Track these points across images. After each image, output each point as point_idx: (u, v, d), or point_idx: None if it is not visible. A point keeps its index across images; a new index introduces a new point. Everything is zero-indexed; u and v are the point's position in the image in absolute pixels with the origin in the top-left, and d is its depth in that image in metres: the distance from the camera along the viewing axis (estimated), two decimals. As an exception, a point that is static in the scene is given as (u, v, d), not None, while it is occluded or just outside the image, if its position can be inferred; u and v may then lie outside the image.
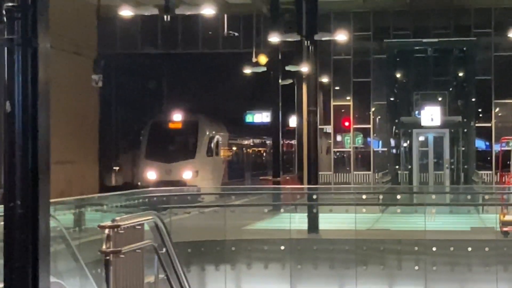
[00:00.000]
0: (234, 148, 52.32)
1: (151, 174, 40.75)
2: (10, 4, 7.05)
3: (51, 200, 7.88)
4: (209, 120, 45.17)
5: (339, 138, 44.87)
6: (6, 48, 7.07)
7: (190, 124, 43.49)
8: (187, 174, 40.68)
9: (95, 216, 19.11)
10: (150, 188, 32.12)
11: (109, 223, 10.87)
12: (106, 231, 10.62)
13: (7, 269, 7.15)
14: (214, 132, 44.11)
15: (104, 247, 10.55)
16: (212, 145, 43.48)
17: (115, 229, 10.72)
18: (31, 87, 7.10)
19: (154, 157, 41.87)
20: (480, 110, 43.83)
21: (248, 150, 56.16)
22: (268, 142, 53.05)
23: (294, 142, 46.99)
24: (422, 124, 40.45)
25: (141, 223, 12.11)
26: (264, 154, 58.46)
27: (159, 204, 22.72)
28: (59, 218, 14.15)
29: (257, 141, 57.03)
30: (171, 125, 44.08)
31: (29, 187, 7.07)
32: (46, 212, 7.20)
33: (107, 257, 10.52)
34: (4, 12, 7.09)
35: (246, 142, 55.08)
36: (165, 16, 27.05)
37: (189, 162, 41.50)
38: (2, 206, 7.31)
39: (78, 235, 16.32)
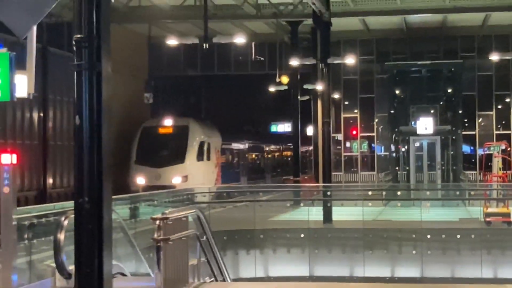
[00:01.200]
0: (230, 153, 44.14)
1: (140, 179, 34.92)
2: (78, 35, 7.07)
3: (112, 197, 7.89)
4: (200, 125, 38.43)
5: (348, 144, 44.59)
6: (75, 72, 7.09)
7: (181, 129, 37.15)
8: (176, 179, 34.88)
9: (147, 209, 19.15)
10: (193, 187, 32.03)
11: (159, 215, 10.88)
12: (157, 222, 10.64)
13: (77, 254, 7.16)
14: (205, 137, 37.36)
15: (155, 235, 10.57)
16: (204, 149, 36.68)
17: (165, 221, 10.73)
18: (96, 103, 7.10)
19: (143, 162, 35.98)
20: (466, 120, 43.54)
21: (246, 155, 47.17)
22: (265, 147, 50.69)
23: (309, 148, 45.94)
24: (418, 132, 40.29)
25: (185, 216, 12.12)
26: (261, 158, 51.07)
27: (200, 200, 22.74)
28: (118, 212, 14.18)
29: (254, 146, 48.96)
30: (161, 130, 37.93)
31: (95, 186, 7.09)
32: (109, 206, 7.22)
33: (158, 244, 10.54)
34: (73, 42, 7.11)
35: (242, 146, 46.39)
36: (204, 45, 27.04)
37: (179, 166, 35.46)
38: (73, 202, 7.33)
39: (134, 225, 16.35)
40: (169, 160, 35.99)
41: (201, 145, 36.37)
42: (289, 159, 49.79)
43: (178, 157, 35.71)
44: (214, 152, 38.23)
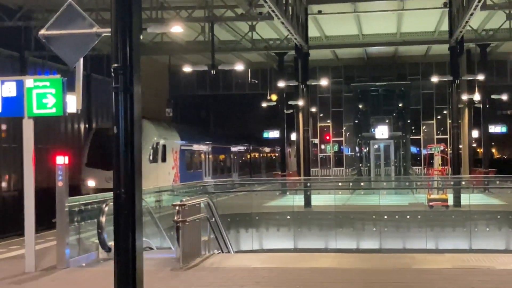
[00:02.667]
0: (193, 154, 35.06)
1: (91, 182, 27.71)
2: (115, 65, 7.07)
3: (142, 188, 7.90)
4: (155, 125, 30.05)
5: (323, 146, 44.63)
6: (113, 93, 7.09)
7: None
8: None
9: (169, 198, 19.13)
10: (205, 180, 31.87)
11: (178, 202, 10.92)
12: (177, 208, 10.67)
13: (116, 232, 7.15)
14: (160, 138, 29.11)
15: (175, 218, 10.59)
16: (158, 151, 28.56)
17: (182, 206, 10.76)
18: (129, 117, 7.10)
19: (94, 164, 28.50)
20: (413, 127, 43.65)
21: (209, 156, 37.40)
22: (231, 148, 41.49)
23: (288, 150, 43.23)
24: (376, 137, 40.49)
25: (198, 202, 12.15)
26: (225, 159, 40.93)
27: (209, 190, 22.75)
28: (146, 200, 14.21)
29: (218, 146, 39.03)
30: (113, 132, 25.27)
31: (129, 180, 7.08)
32: (139, 196, 7.21)
33: (178, 225, 10.56)
34: (112, 70, 7.11)
35: (205, 148, 36.66)
36: (211, 71, 27.05)
37: None
38: (111, 193, 7.34)
39: (158, 210, 16.34)
40: None
41: (155, 146, 28.35)
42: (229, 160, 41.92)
43: None
44: (172, 153, 30.05)
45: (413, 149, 43.88)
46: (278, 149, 42.58)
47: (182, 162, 31.14)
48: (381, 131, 40.25)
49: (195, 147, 34.59)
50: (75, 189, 23.80)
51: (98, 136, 28.62)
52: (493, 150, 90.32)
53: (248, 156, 46.03)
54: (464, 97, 32.22)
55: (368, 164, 41.57)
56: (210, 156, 36.94)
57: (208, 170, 35.71)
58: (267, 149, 49.07)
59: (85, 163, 28.17)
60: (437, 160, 34.06)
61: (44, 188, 17.94)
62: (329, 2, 29.23)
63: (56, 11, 8.61)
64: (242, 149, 44.21)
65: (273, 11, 22.24)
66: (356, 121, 44.06)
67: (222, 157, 40.01)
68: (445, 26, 30.91)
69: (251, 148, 46.44)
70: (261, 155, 48.51)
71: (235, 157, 42.10)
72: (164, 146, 28.62)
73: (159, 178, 27.43)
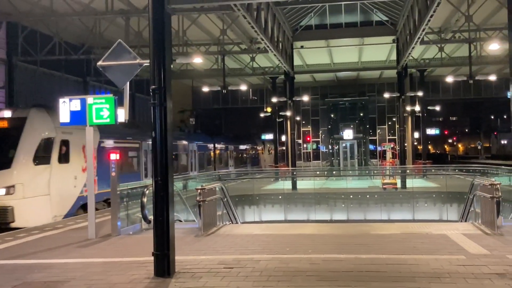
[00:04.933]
0: (124, 152, 20.62)
1: None
2: (153, 86, 7.07)
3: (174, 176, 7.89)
4: (52, 116, 15.29)
5: (305, 145, 44.53)
6: (152, 107, 7.09)
7: (18, 122, 15.45)
8: None
9: (193, 183, 19.09)
10: (220, 170, 31.54)
11: (200, 187, 10.89)
12: (199, 191, 10.66)
13: (155, 209, 7.16)
14: (57, 132, 15.54)
15: (198, 198, 10.57)
16: (52, 149, 15.41)
17: (203, 190, 10.75)
18: (164, 125, 7.10)
19: None
20: (371, 131, 43.49)
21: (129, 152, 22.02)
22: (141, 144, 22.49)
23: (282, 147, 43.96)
24: (344, 138, 40.38)
25: (214, 187, 12.13)
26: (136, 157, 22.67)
27: (223, 177, 22.67)
28: (177, 185, 14.18)
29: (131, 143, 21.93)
30: None
31: (164, 170, 7.08)
32: (171, 182, 7.21)
33: (199, 203, 10.55)
34: (150, 90, 7.11)
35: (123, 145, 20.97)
36: (223, 90, 27.05)
37: (3, 173, 14.47)
38: (151, 180, 7.34)
39: (185, 193, 16.30)
40: None
41: (47, 143, 15.44)
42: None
43: (5, 160, 14.86)
44: (81, 152, 16.32)
45: (371, 147, 43.80)
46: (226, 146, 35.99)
47: (103, 162, 16.82)
48: (348, 134, 40.19)
49: (129, 143, 20.87)
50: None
51: None
52: (429, 147, 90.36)
53: (202, 154, 31.57)
54: (408, 108, 32.28)
55: (338, 158, 41.46)
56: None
57: (146, 170, 21.78)
58: (231, 146, 37.90)
59: None
60: (389, 154, 34.20)
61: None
62: (309, 40, 29.31)
63: (109, 47, 8.62)
64: (198, 146, 30.48)
65: (268, 46, 22.25)
66: (329, 127, 43.94)
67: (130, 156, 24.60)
68: (393, 57, 30.96)
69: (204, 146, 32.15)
70: (217, 152, 34.70)
71: (194, 154, 29.60)
72: (65, 143, 15.71)
73: (53, 184, 15.07)
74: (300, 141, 43.52)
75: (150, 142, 16.43)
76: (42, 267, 7.67)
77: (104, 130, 17.99)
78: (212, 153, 33.32)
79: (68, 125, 10.50)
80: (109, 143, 18.58)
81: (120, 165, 15.89)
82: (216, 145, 34.17)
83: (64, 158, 15.76)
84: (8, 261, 8.23)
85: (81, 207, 16.07)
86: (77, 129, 14.89)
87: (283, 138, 36.65)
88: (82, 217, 13.58)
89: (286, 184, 24.25)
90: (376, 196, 21.54)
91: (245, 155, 41.45)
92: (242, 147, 41.01)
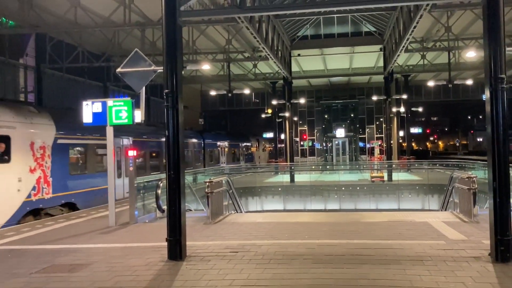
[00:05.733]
0: (86, 150, 15.16)
1: None
2: (166, 90, 7.06)
3: (185, 171, 7.90)
4: None
5: (302, 143, 44.47)
6: (165, 109, 7.08)
7: None
8: None
9: (202, 177, 19.12)
10: (225, 164, 31.52)
11: (208, 180, 10.88)
12: (207, 183, 10.63)
13: (168, 199, 7.17)
14: None
15: (206, 190, 10.56)
16: None
17: (211, 182, 10.73)
18: (176, 125, 7.09)
19: None
20: (360, 130, 43.47)
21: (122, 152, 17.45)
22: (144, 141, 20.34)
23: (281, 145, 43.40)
24: (336, 136, 40.29)
25: (221, 180, 12.12)
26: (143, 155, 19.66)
27: (229, 172, 22.65)
28: (187, 178, 14.19)
29: (139, 140, 19.00)
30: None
31: (176, 165, 7.08)
32: (183, 176, 7.20)
33: (208, 194, 10.54)
34: (164, 94, 7.11)
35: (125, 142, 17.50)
36: (229, 94, 26.97)
37: None
38: (165, 174, 7.34)
39: (195, 185, 16.32)
40: None
41: None
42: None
43: None
44: (29, 150, 12.44)
45: (361, 144, 43.75)
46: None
47: (61, 161, 13.81)
48: (340, 132, 40.12)
49: (95, 140, 15.46)
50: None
51: None
52: (413, 144, 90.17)
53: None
54: (394, 109, 32.11)
55: (331, 154, 41.39)
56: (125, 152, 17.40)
57: (116, 169, 16.56)
58: (223, 143, 33.48)
59: None
60: (377, 151, 34.16)
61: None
62: (305, 48, 29.23)
63: (127, 56, 8.61)
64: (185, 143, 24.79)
65: (268, 55, 22.20)
66: (323, 126, 43.88)
67: (143, 153, 19.75)
68: (381, 63, 30.84)
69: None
70: (207, 149, 30.21)
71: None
72: (3, 139, 11.80)
73: None
74: (298, 139, 43.47)
75: (121, 139, 14.47)
76: (68, 251, 7.69)
77: (64, 126, 13.99)
78: (202, 151, 28.93)
79: (91, 125, 10.37)
80: (69, 140, 14.23)
81: (74, 164, 14.05)
82: (206, 142, 29.69)
83: (2, 157, 11.67)
84: (38, 246, 8.27)
85: (29, 213, 12.36)
86: (21, 123, 12.29)
87: (282, 136, 36.70)
88: (103, 207, 13.53)
89: (285, 178, 24.20)
90: (365, 188, 21.51)
91: (238, 152, 37.53)
92: (235, 144, 37.11)
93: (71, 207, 14.12)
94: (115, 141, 13.25)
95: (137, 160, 16.73)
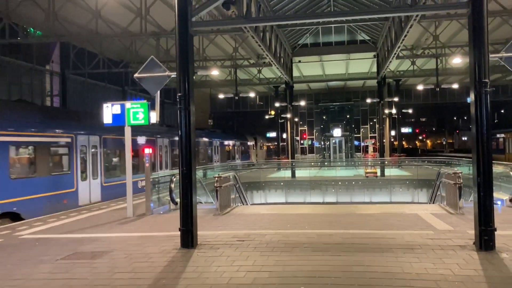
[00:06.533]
0: (40, 150, 11.15)
1: None
2: (179, 94, 7.07)
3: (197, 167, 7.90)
4: None
5: (302, 142, 44.40)
6: (178, 111, 7.09)
7: None
8: None
9: (211, 172, 19.11)
10: (234, 161, 31.23)
11: (217, 175, 10.88)
12: (216, 178, 10.63)
13: (180, 193, 7.17)
14: None
15: (215, 184, 10.55)
16: None
17: (220, 177, 10.72)
18: (188, 125, 7.10)
19: None
20: (356, 130, 43.34)
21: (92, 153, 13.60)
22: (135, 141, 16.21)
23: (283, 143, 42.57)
24: (334, 135, 40.05)
25: (229, 175, 12.12)
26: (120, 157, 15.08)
27: (236, 168, 22.62)
28: (198, 174, 14.20)
29: (109, 137, 14.32)
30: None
31: (188, 162, 7.09)
32: (194, 171, 7.21)
33: (217, 189, 10.53)
34: (177, 97, 7.11)
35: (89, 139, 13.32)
36: (235, 97, 26.93)
37: None
38: (177, 170, 7.34)
39: (205, 180, 16.33)
40: None
41: None
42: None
43: None
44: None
45: (356, 142, 43.58)
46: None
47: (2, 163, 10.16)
48: (337, 132, 39.90)
49: (53, 137, 12.14)
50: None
51: None
52: (403, 143, 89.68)
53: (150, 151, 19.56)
54: (386, 111, 31.90)
55: (329, 152, 41.17)
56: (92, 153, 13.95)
57: (84, 172, 13.40)
58: (216, 141, 29.77)
59: None
60: (370, 149, 34.04)
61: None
62: (305, 55, 29.15)
63: (143, 62, 8.61)
64: (171, 141, 20.54)
65: (272, 61, 22.13)
66: (322, 126, 43.71)
67: (116, 155, 15.59)
68: (374, 69, 30.71)
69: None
70: (199, 147, 25.86)
71: (166, 150, 20.40)
72: None
73: None
74: (298, 138, 43.42)
75: (88, 137, 12.48)
76: (90, 240, 7.72)
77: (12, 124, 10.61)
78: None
79: (111, 125, 10.39)
80: (9, 137, 10.44)
81: (17, 166, 10.57)
82: (198, 140, 25.31)
83: None
84: (62, 235, 8.30)
85: None
86: None
87: (284, 135, 36.63)
88: (122, 199, 13.56)
89: (287, 173, 24.16)
90: (360, 182, 21.46)
91: (232, 150, 33.82)
92: (229, 142, 33.51)
93: (13, 217, 10.25)
94: (82, 140, 12.43)
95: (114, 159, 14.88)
